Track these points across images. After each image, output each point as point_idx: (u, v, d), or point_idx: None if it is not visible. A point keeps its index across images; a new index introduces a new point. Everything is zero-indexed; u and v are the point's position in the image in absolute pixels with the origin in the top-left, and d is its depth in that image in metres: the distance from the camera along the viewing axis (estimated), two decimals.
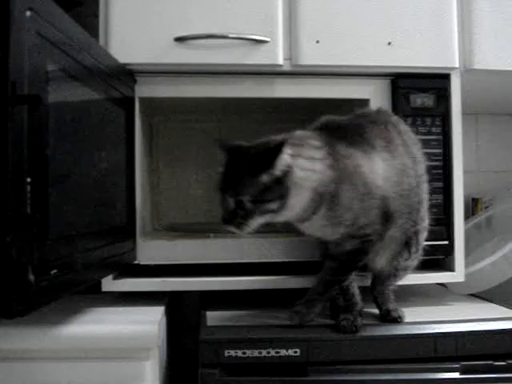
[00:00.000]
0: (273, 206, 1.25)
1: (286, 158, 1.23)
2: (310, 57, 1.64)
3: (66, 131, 1.17)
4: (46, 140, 1.05)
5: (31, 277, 0.98)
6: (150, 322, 1.45)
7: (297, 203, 1.28)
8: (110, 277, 1.59)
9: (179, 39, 1.58)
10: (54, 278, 1.07)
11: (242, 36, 1.59)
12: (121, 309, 1.61)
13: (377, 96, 1.70)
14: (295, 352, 1.40)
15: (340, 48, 1.65)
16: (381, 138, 1.39)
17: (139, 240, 1.64)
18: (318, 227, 1.35)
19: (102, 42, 1.59)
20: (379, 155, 1.36)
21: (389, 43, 1.66)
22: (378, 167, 1.35)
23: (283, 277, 1.64)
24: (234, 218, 1.25)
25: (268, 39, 1.61)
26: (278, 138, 1.27)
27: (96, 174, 1.32)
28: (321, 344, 1.43)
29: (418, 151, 1.48)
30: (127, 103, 1.58)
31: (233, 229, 1.27)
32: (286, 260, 1.66)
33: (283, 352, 1.40)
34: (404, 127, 1.48)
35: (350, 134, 1.36)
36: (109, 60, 1.47)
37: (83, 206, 1.25)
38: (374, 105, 1.69)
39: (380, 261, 1.48)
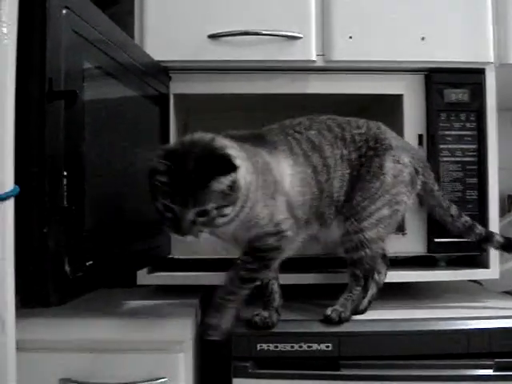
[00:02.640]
0: (226, 210, 1.21)
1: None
2: (343, 52, 1.64)
3: (102, 127, 1.20)
4: (82, 135, 1.08)
5: (67, 267, 1.00)
6: (184, 315, 1.48)
7: (239, 206, 1.25)
8: (145, 271, 1.61)
9: (213, 36, 1.60)
10: (90, 270, 1.10)
11: (275, 32, 1.60)
12: (155, 302, 1.64)
13: (410, 91, 1.69)
14: (327, 346, 1.41)
15: (373, 43, 1.64)
16: (283, 145, 1.43)
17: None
18: (231, 231, 1.33)
19: (137, 39, 1.62)
20: (285, 159, 1.39)
21: (422, 38, 1.65)
22: (285, 168, 1.38)
23: (318, 273, 1.65)
24: (193, 228, 1.20)
25: (301, 35, 1.61)
26: (209, 136, 1.27)
27: (131, 169, 1.35)
28: (353, 338, 1.43)
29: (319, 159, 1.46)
30: (162, 100, 1.60)
31: (188, 238, 1.21)
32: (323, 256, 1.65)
33: (315, 346, 1.41)
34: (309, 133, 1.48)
35: (254, 140, 1.38)
36: (144, 57, 1.49)
37: (118, 200, 1.28)
38: (407, 100, 1.68)
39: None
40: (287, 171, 1.40)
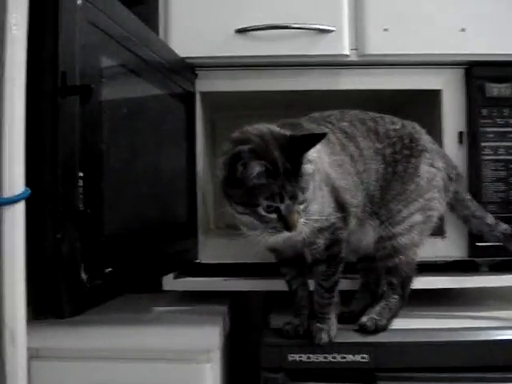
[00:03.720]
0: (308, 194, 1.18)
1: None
2: (378, 46, 1.54)
3: (122, 126, 1.12)
4: (100, 133, 1.00)
5: (84, 275, 0.93)
6: (211, 322, 1.40)
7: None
8: (171, 275, 1.54)
9: (240, 31, 1.52)
10: (109, 277, 1.02)
11: (305, 26, 1.51)
12: (182, 308, 1.57)
13: (449, 86, 1.58)
14: (363, 358, 1.31)
15: (409, 36, 1.54)
16: None
17: (201, 238, 1.58)
18: None
19: (161, 35, 1.54)
20: (323, 148, 1.32)
21: (462, 29, 1.54)
22: (324, 156, 1.33)
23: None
24: (299, 220, 1.17)
25: (333, 28, 1.52)
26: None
27: (155, 170, 1.27)
28: (391, 349, 1.33)
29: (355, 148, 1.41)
30: (188, 98, 1.53)
31: (294, 231, 1.16)
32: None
33: (350, 357, 1.31)
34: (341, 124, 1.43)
35: (293, 129, 1.30)
36: (169, 54, 1.42)
37: (141, 202, 1.20)
38: (446, 95, 1.58)
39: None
40: (326, 159, 1.33)
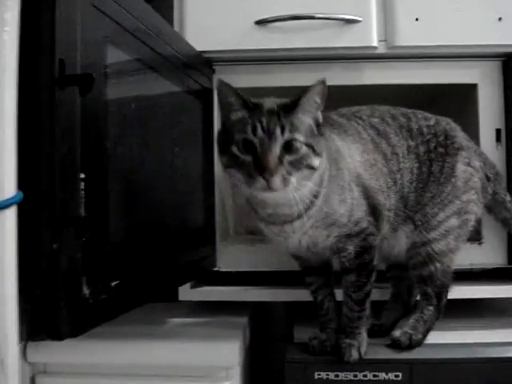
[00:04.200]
0: (315, 160, 1.03)
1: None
2: (409, 37, 1.42)
3: (132, 122, 1.01)
4: (105, 130, 0.88)
5: (86, 290, 0.81)
6: (230, 337, 1.28)
7: (321, 169, 1.08)
8: (188, 285, 1.42)
9: (260, 22, 1.41)
10: (117, 291, 0.90)
11: (329, 16, 1.39)
12: (199, 320, 1.45)
13: (486, 80, 1.46)
14: (396, 376, 1.18)
15: (442, 26, 1.42)
16: (350, 129, 1.27)
17: (219, 245, 1.46)
18: (307, 229, 1.14)
19: (176, 28, 1.43)
20: (354, 145, 1.23)
21: (499, 19, 1.41)
22: (356, 155, 1.22)
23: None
24: (279, 168, 0.98)
25: (360, 18, 1.40)
26: None
27: (168, 171, 1.16)
28: (426, 366, 1.20)
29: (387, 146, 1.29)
30: (205, 95, 1.41)
31: (275, 183, 0.98)
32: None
33: (382, 375, 1.19)
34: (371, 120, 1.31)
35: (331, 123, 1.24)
36: (184, 47, 1.31)
37: (153, 207, 1.08)
38: (482, 90, 1.45)
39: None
40: (357, 158, 1.22)
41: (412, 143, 1.30)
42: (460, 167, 1.30)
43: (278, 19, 1.39)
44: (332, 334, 1.24)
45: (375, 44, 1.42)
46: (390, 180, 1.25)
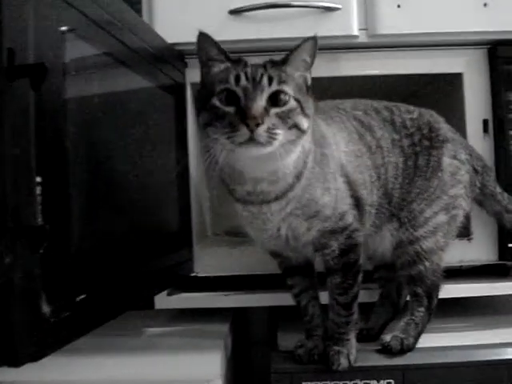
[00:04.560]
0: (303, 121, 0.95)
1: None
2: (390, 25, 1.35)
3: (97, 120, 0.91)
4: (64, 128, 0.78)
5: (46, 308, 0.71)
6: (211, 347, 1.20)
7: (308, 138, 1.02)
8: (164, 292, 1.32)
9: (235, 12, 1.33)
10: (82, 306, 0.80)
11: (307, 4, 1.31)
12: (177, 329, 1.37)
13: (471, 69, 1.39)
14: (389, 383, 1.11)
15: (426, 13, 1.35)
16: (335, 117, 1.21)
17: (196, 248, 1.37)
18: (287, 215, 1.05)
19: (145, 19, 1.34)
20: (339, 133, 1.16)
21: (484, 4, 1.34)
22: (341, 143, 1.14)
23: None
24: (265, 118, 0.89)
25: (339, 6, 1.32)
26: None
27: (138, 171, 1.06)
28: (420, 372, 1.13)
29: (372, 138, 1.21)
30: (177, 90, 1.31)
31: (260, 134, 0.88)
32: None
33: (374, 383, 1.10)
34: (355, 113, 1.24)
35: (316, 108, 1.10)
36: (154, 39, 1.21)
37: (122, 211, 0.98)
38: (467, 79, 1.38)
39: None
40: (342, 147, 1.14)
41: (396, 137, 1.23)
42: (446, 160, 1.23)
43: (254, 8, 1.31)
44: (319, 340, 1.16)
45: (356, 33, 1.35)
46: (373, 174, 1.18)
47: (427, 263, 1.20)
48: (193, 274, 1.36)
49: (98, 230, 0.88)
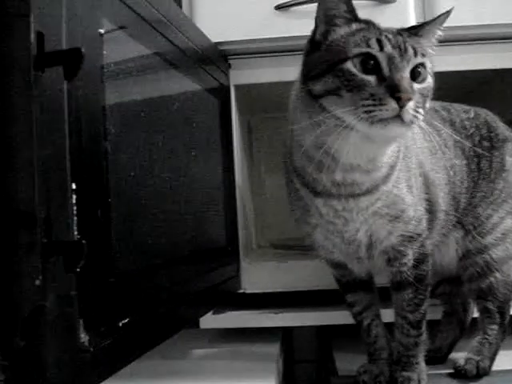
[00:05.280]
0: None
1: None
2: (452, 16, 1.19)
3: (138, 120, 0.80)
4: (104, 127, 0.67)
5: (83, 336, 0.60)
6: (263, 370, 1.08)
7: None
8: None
9: (281, 7, 1.22)
10: (126, 331, 0.69)
11: None
12: (225, 350, 1.25)
13: None
14: None
15: (490, 3, 1.22)
16: None
17: (243, 263, 1.25)
18: (371, 215, 0.91)
19: None
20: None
21: None
22: (417, 138, 1.00)
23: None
24: (413, 95, 0.76)
25: None
26: None
27: (182, 180, 0.94)
28: None
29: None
30: (222, 93, 1.20)
31: (408, 112, 0.75)
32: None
33: None
34: None
35: None
36: (198, 37, 1.11)
37: (165, 223, 0.86)
38: None
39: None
40: (418, 142, 1.00)
41: (457, 138, 1.09)
42: (509, 160, 1.11)
43: (301, 2, 1.20)
44: (385, 365, 1.02)
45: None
46: (445, 176, 1.04)
47: (498, 274, 1.07)
48: (240, 291, 1.24)
49: (140, 245, 0.77)
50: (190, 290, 0.94)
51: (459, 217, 1.07)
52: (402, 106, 0.74)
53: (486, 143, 1.11)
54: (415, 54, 0.78)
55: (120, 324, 0.67)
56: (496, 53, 1.26)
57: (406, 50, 0.77)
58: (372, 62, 0.77)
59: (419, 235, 0.95)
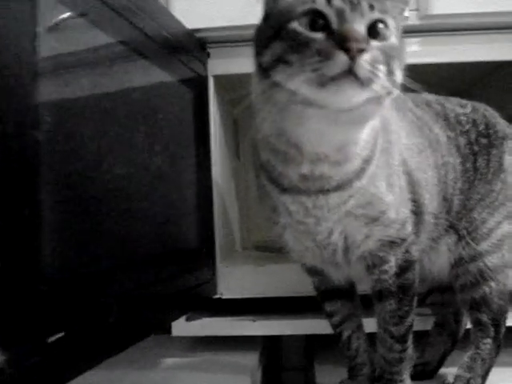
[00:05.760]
0: (399, 72, 0.69)
1: None
2: (446, 4, 1.11)
3: (86, 111, 0.71)
4: (34, 115, 0.58)
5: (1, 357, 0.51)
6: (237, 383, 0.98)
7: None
8: (183, 317, 1.12)
9: None
10: (61, 347, 0.60)
11: None
12: (198, 359, 1.16)
13: None
14: None
15: None
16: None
17: (220, 266, 1.16)
18: (344, 215, 0.81)
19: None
20: (400, 122, 0.93)
21: None
22: (402, 134, 0.92)
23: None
24: (366, 48, 0.63)
25: None
26: None
27: (142, 176, 0.85)
28: None
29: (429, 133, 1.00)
30: (196, 83, 1.11)
31: (362, 64, 0.62)
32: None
33: None
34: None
35: None
36: (173, 24, 1.03)
37: (121, 224, 0.78)
38: None
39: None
40: (403, 138, 0.91)
41: (451, 134, 1.01)
42: (509, 159, 1.02)
43: None
44: (366, 382, 0.93)
45: (405, 14, 1.11)
46: (435, 175, 0.95)
47: (493, 283, 0.98)
48: (216, 296, 1.15)
49: (84, 247, 0.68)
50: (152, 294, 0.85)
51: (451, 220, 0.98)
52: (352, 58, 0.62)
53: (483, 140, 1.02)
54: (371, 8, 0.67)
55: (51, 339, 0.59)
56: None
57: (359, 3, 0.66)
58: (321, 20, 0.66)
59: (403, 240, 0.86)
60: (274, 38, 0.68)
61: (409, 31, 1.12)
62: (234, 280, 1.17)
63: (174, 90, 1.02)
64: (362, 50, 0.62)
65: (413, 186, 0.89)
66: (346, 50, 0.62)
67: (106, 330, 0.71)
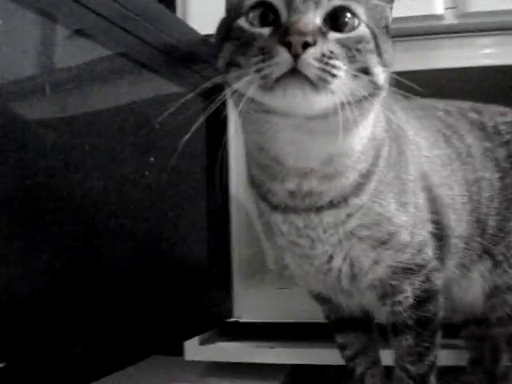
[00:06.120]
0: (378, 68, 0.60)
1: None
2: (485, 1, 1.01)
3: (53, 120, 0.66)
4: None
5: None
6: None
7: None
8: (196, 339, 1.05)
9: None
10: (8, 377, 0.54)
11: None
12: None
13: None
14: None
15: None
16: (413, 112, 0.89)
17: (237, 288, 1.08)
18: (343, 237, 0.71)
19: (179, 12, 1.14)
20: (421, 131, 0.85)
21: None
22: (423, 145, 0.83)
23: None
24: (318, 38, 0.55)
25: None
26: None
27: (130, 189, 0.79)
28: None
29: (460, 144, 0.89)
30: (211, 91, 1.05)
31: (307, 60, 0.53)
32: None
33: None
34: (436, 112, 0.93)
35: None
36: (178, 30, 0.97)
37: (95, 241, 0.71)
38: None
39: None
40: (424, 150, 0.82)
41: (488, 145, 0.90)
42: None
43: None
44: None
45: (440, 11, 1.06)
46: (465, 193, 0.84)
47: None
48: (232, 319, 1.07)
49: (42, 265, 0.62)
50: (142, 318, 0.79)
51: (486, 244, 0.87)
52: (295, 55, 0.53)
53: None
54: None
55: None
56: None
57: None
58: (271, 14, 0.58)
59: (421, 267, 0.75)
60: (225, 39, 0.61)
61: (444, 32, 1.05)
62: (253, 303, 1.09)
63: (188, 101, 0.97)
64: (305, 43, 0.53)
65: (434, 204, 0.78)
66: (288, 46, 0.53)
67: (70, 359, 0.64)
